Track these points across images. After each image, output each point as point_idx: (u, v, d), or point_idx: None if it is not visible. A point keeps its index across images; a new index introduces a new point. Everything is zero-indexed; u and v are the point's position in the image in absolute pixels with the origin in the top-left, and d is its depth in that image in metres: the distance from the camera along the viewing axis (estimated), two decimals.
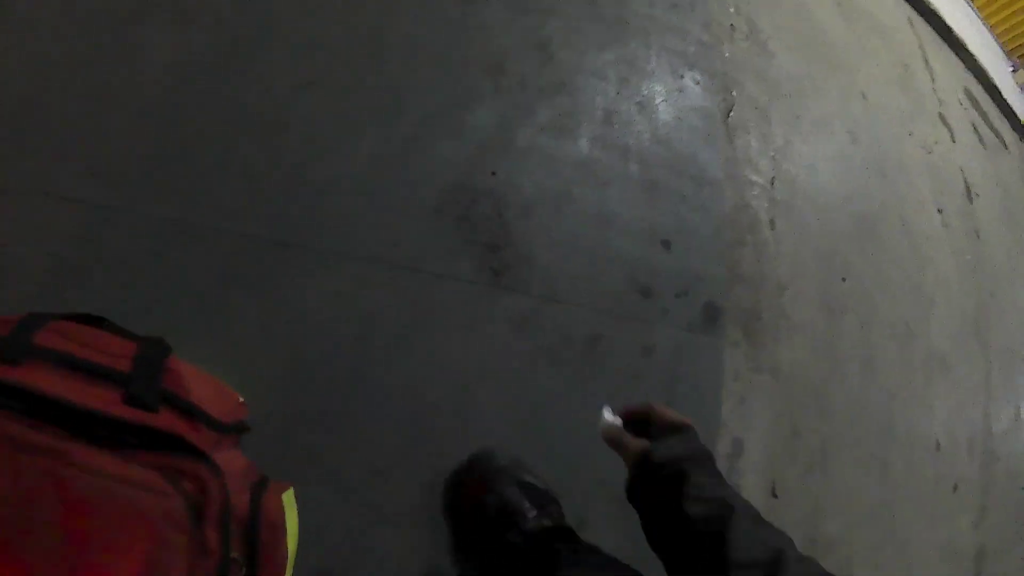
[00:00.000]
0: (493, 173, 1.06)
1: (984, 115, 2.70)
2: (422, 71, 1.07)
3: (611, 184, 1.14)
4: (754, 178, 1.48)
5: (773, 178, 1.52)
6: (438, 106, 1.06)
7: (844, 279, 1.62)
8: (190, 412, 0.53)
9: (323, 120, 0.97)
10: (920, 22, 2.64)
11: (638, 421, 0.61)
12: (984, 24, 3.14)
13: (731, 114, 1.45)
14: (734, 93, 1.52)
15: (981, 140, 2.56)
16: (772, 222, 1.46)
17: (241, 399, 0.71)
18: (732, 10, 1.74)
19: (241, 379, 0.69)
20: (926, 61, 2.48)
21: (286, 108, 0.95)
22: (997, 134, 2.74)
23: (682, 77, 1.35)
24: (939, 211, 2.04)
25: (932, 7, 2.62)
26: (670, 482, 0.53)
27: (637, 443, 0.58)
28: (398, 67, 1.05)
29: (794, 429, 1.44)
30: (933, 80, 2.44)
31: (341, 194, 0.95)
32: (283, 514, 0.55)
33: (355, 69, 1.02)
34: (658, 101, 1.28)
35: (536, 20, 1.24)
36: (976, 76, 2.81)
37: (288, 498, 0.58)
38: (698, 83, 1.36)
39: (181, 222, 0.85)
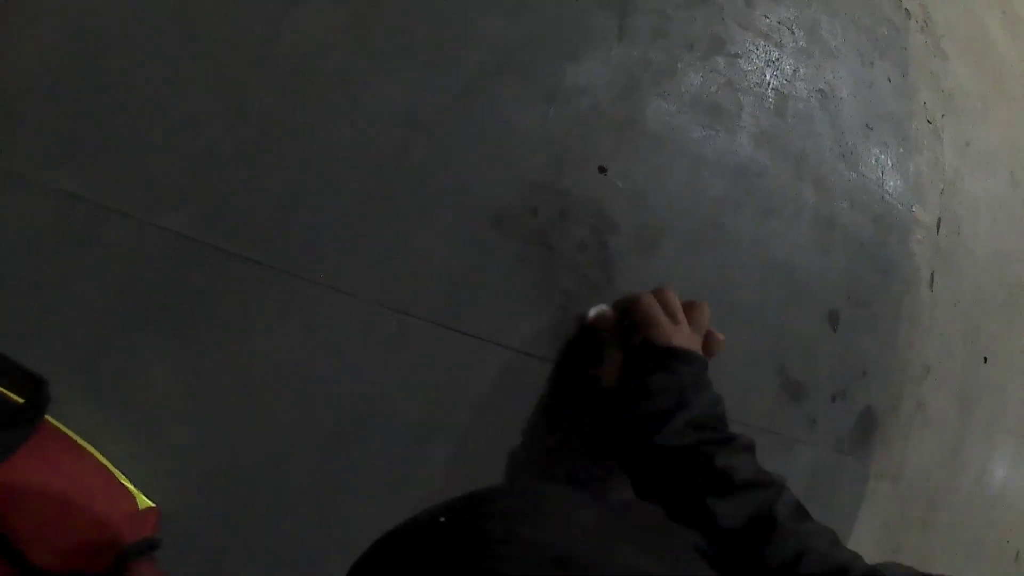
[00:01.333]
0: (601, 169, 0.68)
1: None
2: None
3: (776, 213, 0.76)
4: (921, 216, 1.11)
5: (939, 219, 1.15)
6: (519, 45, 0.66)
7: (986, 359, 1.28)
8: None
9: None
10: None
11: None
12: None
13: (914, 126, 1.06)
14: (912, 99, 1.13)
15: None
16: (932, 279, 1.10)
17: (149, 503, 0.50)
18: None
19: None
20: None
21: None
22: None
23: (872, 66, 0.95)
24: None
25: None
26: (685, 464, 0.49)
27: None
28: None
29: (897, 545, 1.15)
30: None
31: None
32: None
33: None
34: (844, 94, 0.88)
35: None
36: None
37: None
38: (889, 80, 0.96)
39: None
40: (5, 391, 0.43)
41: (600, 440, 0.62)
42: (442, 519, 0.32)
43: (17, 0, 0.51)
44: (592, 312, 0.61)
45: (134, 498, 0.49)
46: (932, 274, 1.12)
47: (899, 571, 0.46)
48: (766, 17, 0.86)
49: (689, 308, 0.60)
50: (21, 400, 0.43)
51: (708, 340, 0.60)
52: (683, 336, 0.56)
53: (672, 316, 0.57)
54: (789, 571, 0.44)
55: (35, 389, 0.43)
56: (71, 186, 0.51)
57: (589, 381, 0.62)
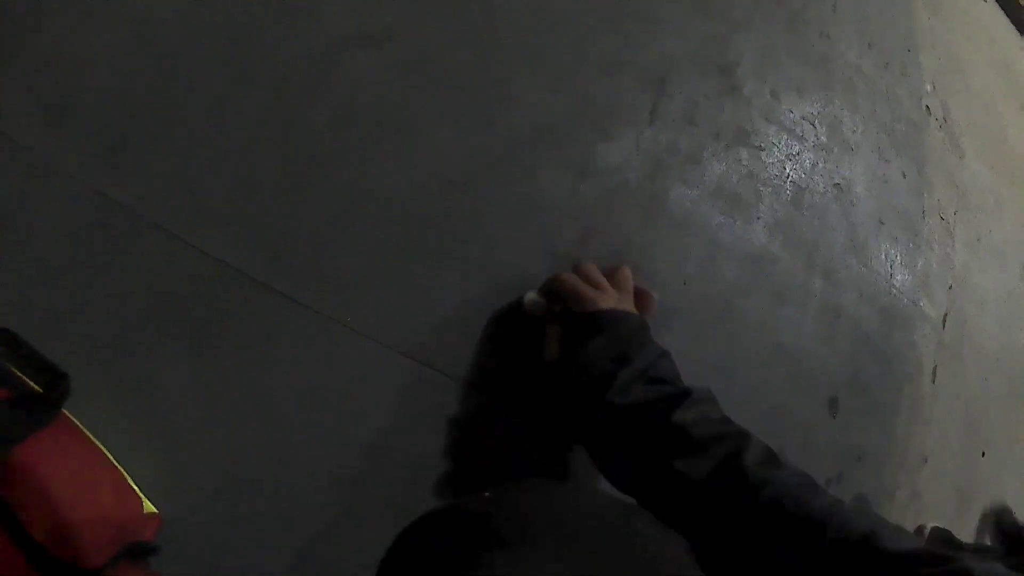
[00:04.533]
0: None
1: None
2: (540, 68, 0.71)
3: (785, 300, 0.80)
4: (927, 310, 1.13)
5: (946, 314, 1.18)
6: (557, 118, 0.70)
7: (984, 453, 1.28)
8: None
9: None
10: None
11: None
12: None
13: (926, 221, 1.09)
14: (925, 195, 1.17)
15: None
16: (935, 372, 1.12)
17: (152, 508, 0.50)
18: (929, 88, 1.38)
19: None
20: None
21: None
22: None
23: (888, 162, 0.99)
24: None
25: None
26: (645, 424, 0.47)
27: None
28: (508, 52, 0.70)
29: None
30: None
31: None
32: None
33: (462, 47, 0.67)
34: (859, 189, 0.93)
35: (722, 30, 0.89)
36: None
37: None
38: (904, 176, 1.00)
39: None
40: (26, 379, 0.46)
41: (560, 418, 0.62)
42: (487, 494, 0.35)
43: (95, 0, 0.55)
44: (526, 299, 0.62)
45: (139, 501, 0.51)
46: (935, 367, 1.14)
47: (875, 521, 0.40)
48: (791, 111, 0.91)
49: (610, 275, 0.60)
50: (40, 389, 0.45)
51: (640, 299, 0.61)
52: (610, 300, 0.56)
53: (596, 285, 0.58)
54: (766, 520, 0.41)
55: (56, 381, 0.46)
56: (115, 193, 0.54)
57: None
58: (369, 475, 0.59)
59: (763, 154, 0.84)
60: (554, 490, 0.41)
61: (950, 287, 1.20)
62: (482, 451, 0.64)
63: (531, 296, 0.62)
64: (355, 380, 0.60)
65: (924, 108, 1.28)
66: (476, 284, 0.65)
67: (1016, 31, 2.19)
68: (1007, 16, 2.20)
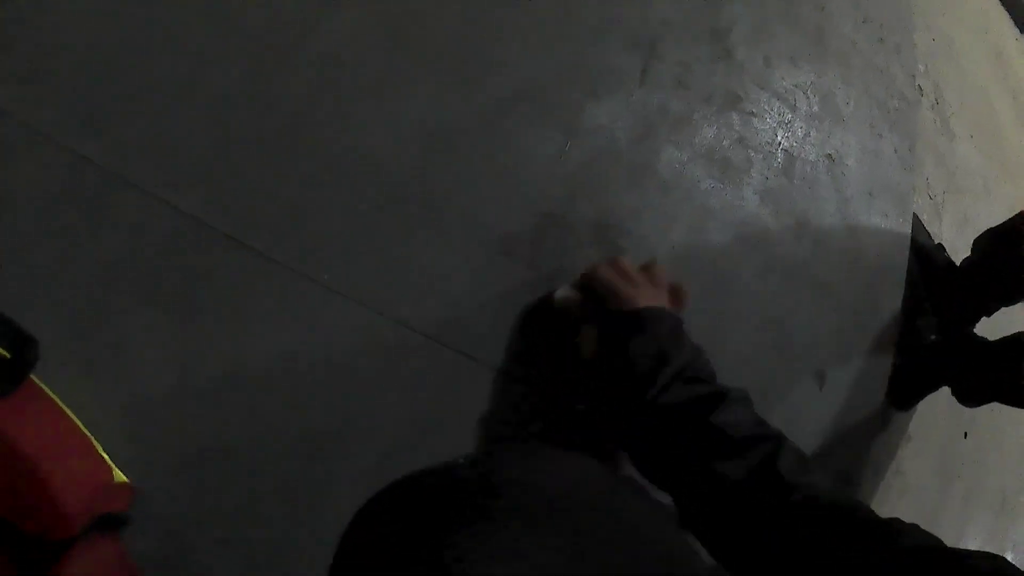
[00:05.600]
0: (607, 210, 0.70)
1: None
2: (529, 28, 0.69)
3: (774, 270, 0.78)
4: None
5: None
6: (544, 77, 0.68)
7: (966, 434, 1.29)
8: None
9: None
10: None
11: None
12: None
13: (915, 199, 1.09)
14: (915, 173, 1.16)
15: None
16: None
17: (123, 478, 0.49)
18: (922, 68, 1.37)
19: None
20: None
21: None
22: None
23: (880, 137, 0.98)
24: None
25: None
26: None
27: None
28: (497, 10, 0.67)
29: None
30: None
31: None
32: None
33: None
34: (850, 162, 0.91)
35: None
36: None
37: None
38: (896, 152, 0.99)
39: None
40: None
41: (592, 417, 0.61)
42: (461, 460, 0.34)
43: None
44: (557, 295, 0.61)
45: (110, 470, 0.49)
46: None
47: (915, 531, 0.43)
48: (783, 79, 0.89)
49: (645, 269, 0.60)
50: (7, 355, 0.44)
51: (674, 294, 0.60)
52: (647, 297, 0.56)
53: (631, 280, 0.57)
54: (801, 521, 0.42)
55: (23, 346, 0.44)
56: (89, 151, 0.52)
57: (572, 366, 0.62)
58: (347, 441, 0.57)
59: (755, 120, 0.82)
60: (536, 456, 0.38)
61: None
62: (466, 418, 0.62)
63: (563, 292, 0.60)
64: (333, 342, 0.58)
65: (917, 87, 1.27)
66: (458, 245, 0.63)
67: (1012, 22, 2.19)
68: (1004, 7, 2.20)
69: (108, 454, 0.49)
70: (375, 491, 0.36)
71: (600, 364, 0.56)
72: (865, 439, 0.94)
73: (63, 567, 0.42)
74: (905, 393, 1.08)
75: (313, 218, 0.58)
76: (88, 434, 0.49)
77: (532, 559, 0.27)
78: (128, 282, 0.52)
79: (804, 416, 0.81)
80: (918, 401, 1.10)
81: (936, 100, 1.35)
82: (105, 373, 0.51)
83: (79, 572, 0.43)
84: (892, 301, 0.92)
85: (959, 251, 1.29)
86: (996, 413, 1.40)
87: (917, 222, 1.09)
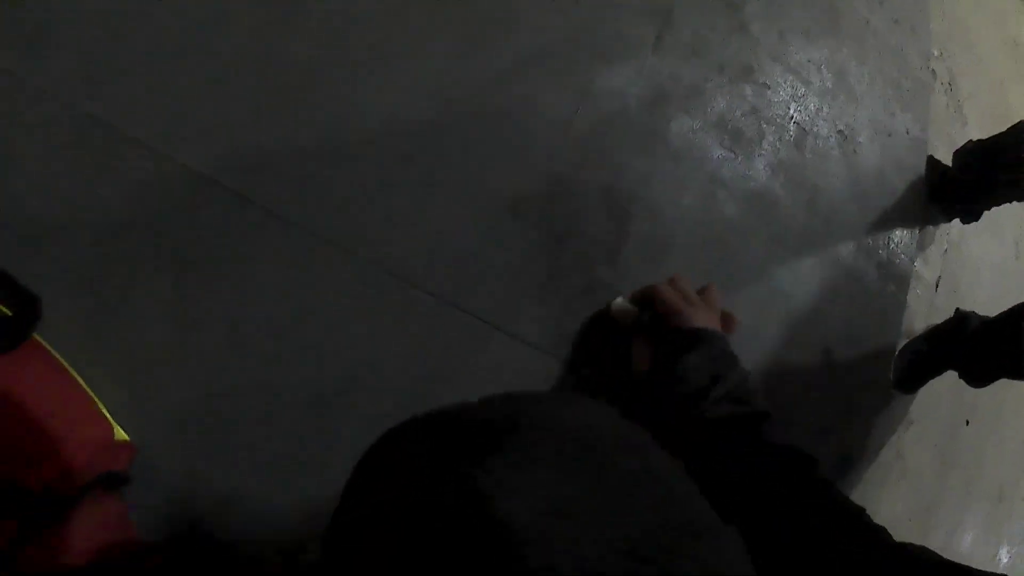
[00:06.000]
0: (616, 179, 0.69)
1: None
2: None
3: (783, 243, 0.77)
4: (922, 271, 1.12)
5: (939, 278, 1.17)
6: (559, 40, 0.67)
7: (968, 422, 1.29)
8: None
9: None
10: None
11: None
12: None
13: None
14: (928, 155, 1.15)
15: None
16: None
17: (124, 436, 0.49)
18: (936, 52, 1.35)
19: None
20: None
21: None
22: None
23: (893, 116, 0.97)
24: None
25: None
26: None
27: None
28: None
29: None
30: None
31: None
32: None
33: None
34: (862, 138, 0.90)
35: None
36: None
37: None
38: (908, 132, 0.98)
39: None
40: None
41: (598, 381, 0.64)
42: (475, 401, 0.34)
43: None
44: (614, 306, 0.63)
45: (111, 428, 0.49)
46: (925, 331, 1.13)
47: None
48: (797, 54, 0.88)
49: (702, 292, 0.62)
50: (9, 312, 0.44)
51: (725, 319, 0.62)
52: (703, 317, 0.58)
53: (690, 300, 0.59)
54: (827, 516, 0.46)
55: (26, 304, 0.44)
56: (95, 109, 0.51)
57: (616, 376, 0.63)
58: (353, 398, 0.57)
59: (768, 92, 0.81)
60: (558, 397, 0.38)
61: (945, 250, 1.19)
62: (473, 378, 0.62)
63: (619, 303, 0.62)
64: (339, 300, 0.57)
65: (931, 71, 1.26)
66: (467, 205, 0.62)
67: None
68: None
69: (110, 412, 0.49)
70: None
71: (652, 376, 0.58)
72: (868, 419, 0.94)
73: (65, 524, 0.42)
74: (911, 375, 1.08)
75: (321, 176, 0.58)
76: (90, 392, 0.48)
77: (560, 492, 0.27)
78: (132, 240, 0.51)
79: (808, 391, 0.81)
80: (923, 384, 1.09)
81: (950, 85, 1.33)
82: (108, 331, 0.51)
83: (81, 529, 0.43)
84: (900, 284, 0.91)
85: (968, 237, 1.28)
86: (999, 401, 1.39)
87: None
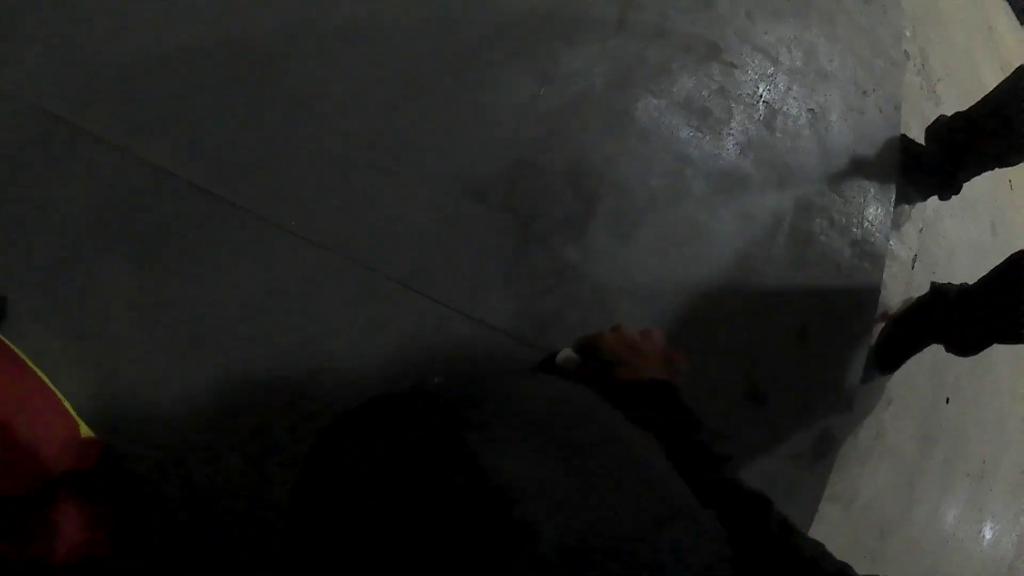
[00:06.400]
0: (582, 158, 0.68)
1: None
2: None
3: (755, 220, 0.77)
4: (898, 250, 1.12)
5: (915, 256, 1.17)
6: (520, 20, 0.66)
7: (948, 400, 1.30)
8: None
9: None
10: None
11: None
12: None
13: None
14: (901, 134, 1.15)
15: None
16: None
17: (90, 433, 0.48)
18: (909, 33, 1.35)
19: None
20: None
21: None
22: None
23: (865, 95, 0.97)
24: None
25: None
26: None
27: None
28: None
29: None
30: None
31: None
32: None
33: None
34: (833, 117, 0.90)
35: None
36: None
37: None
38: (881, 111, 0.98)
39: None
40: None
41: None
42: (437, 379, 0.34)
43: None
44: (559, 358, 0.61)
45: (77, 425, 0.48)
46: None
47: None
48: (766, 33, 0.88)
49: (645, 335, 0.60)
50: None
51: (670, 362, 0.60)
52: (649, 367, 0.56)
53: (634, 349, 0.57)
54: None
55: None
56: (55, 107, 0.51)
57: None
58: (319, 386, 0.56)
59: (736, 72, 0.80)
60: (521, 375, 0.38)
61: (921, 229, 1.19)
62: (428, 362, 0.61)
63: (566, 353, 0.60)
64: (302, 288, 0.56)
65: (903, 51, 1.26)
66: (429, 189, 0.61)
67: None
68: None
69: (75, 409, 0.48)
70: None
71: None
72: (847, 398, 0.94)
73: (35, 523, 0.42)
74: (890, 353, 1.08)
75: (281, 164, 0.57)
76: (55, 390, 0.48)
77: (542, 466, 0.28)
78: (95, 235, 0.51)
79: (785, 370, 0.81)
80: (903, 361, 1.10)
81: (922, 65, 1.34)
82: (72, 328, 0.50)
83: (51, 528, 0.42)
84: (875, 262, 0.91)
85: (944, 216, 1.29)
86: (978, 379, 1.40)
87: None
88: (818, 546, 0.44)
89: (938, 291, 1.02)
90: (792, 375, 0.81)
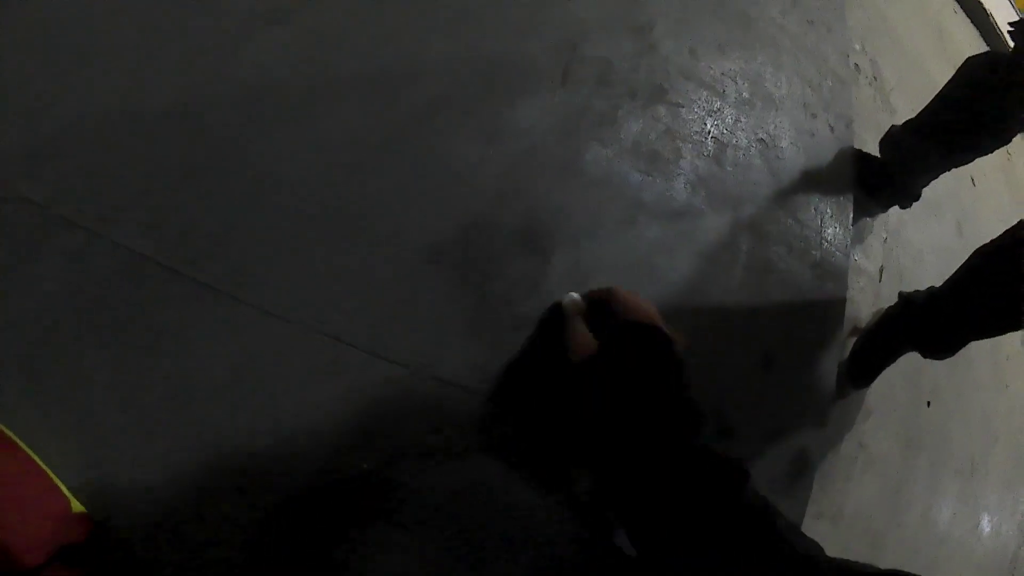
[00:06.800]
0: (532, 212, 0.70)
1: None
2: (448, 36, 0.69)
3: (711, 257, 0.79)
4: (863, 264, 1.14)
5: (882, 267, 1.20)
6: (464, 82, 0.68)
7: (929, 403, 1.31)
8: None
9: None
10: None
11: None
12: None
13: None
14: (856, 148, 1.18)
15: None
16: None
17: (81, 508, 0.49)
18: (858, 47, 1.39)
19: None
20: None
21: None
22: None
23: (815, 117, 0.99)
24: None
25: None
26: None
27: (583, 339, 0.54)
28: (419, 19, 0.67)
29: None
30: None
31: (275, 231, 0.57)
32: None
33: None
34: (784, 143, 0.92)
35: None
36: None
37: None
38: (832, 130, 1.00)
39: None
40: None
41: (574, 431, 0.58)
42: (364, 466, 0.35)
43: None
44: (565, 300, 0.63)
45: (67, 501, 0.49)
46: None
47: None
48: (710, 68, 0.90)
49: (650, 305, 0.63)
50: None
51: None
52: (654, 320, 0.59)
53: (641, 306, 0.60)
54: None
55: None
56: (27, 191, 0.52)
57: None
58: (290, 458, 0.57)
59: (682, 110, 0.82)
60: (432, 462, 0.39)
61: (885, 239, 1.21)
62: (407, 430, 0.61)
63: (571, 296, 0.62)
64: (272, 361, 0.57)
65: (853, 66, 1.29)
66: (386, 257, 0.63)
67: None
68: None
69: (65, 484, 0.49)
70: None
71: (599, 360, 0.54)
72: (821, 416, 0.95)
73: None
74: (864, 367, 1.09)
75: (243, 242, 0.58)
76: (44, 466, 0.48)
77: (421, 555, 0.29)
78: (72, 317, 0.52)
79: (753, 399, 0.82)
80: (878, 374, 1.11)
81: (874, 76, 1.37)
82: (57, 407, 0.51)
83: None
84: (838, 281, 0.93)
85: (907, 223, 1.31)
86: (958, 379, 1.42)
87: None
88: (794, 526, 0.44)
89: (906, 300, 1.04)
90: (758, 403, 0.82)
